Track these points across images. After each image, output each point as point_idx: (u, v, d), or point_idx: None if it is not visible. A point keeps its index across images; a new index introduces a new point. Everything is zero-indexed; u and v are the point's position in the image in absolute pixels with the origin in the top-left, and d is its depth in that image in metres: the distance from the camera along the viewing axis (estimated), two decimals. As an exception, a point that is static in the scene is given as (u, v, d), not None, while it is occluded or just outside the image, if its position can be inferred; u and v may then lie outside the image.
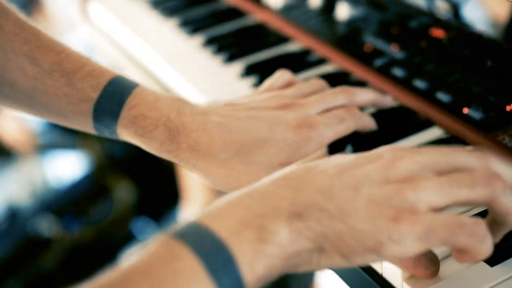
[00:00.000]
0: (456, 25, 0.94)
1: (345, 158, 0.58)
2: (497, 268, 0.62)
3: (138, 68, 1.21)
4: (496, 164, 0.55)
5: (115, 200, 2.20)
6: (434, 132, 0.84)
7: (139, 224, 2.22)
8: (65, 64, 0.77)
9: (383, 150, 0.58)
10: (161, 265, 0.52)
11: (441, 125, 0.84)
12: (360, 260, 0.53)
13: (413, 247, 0.52)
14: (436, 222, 0.52)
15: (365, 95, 0.82)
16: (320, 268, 0.55)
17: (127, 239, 2.18)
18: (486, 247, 0.53)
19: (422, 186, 0.53)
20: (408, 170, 0.54)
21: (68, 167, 2.27)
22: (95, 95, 0.76)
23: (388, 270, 0.64)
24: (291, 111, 0.76)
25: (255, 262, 0.53)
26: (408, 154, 0.56)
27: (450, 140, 0.82)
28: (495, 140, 0.78)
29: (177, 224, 0.56)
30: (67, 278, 2.04)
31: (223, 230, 0.53)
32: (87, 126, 0.78)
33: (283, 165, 0.72)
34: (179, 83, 1.06)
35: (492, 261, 0.62)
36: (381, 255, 0.52)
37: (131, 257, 0.53)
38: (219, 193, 2.09)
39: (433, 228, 0.51)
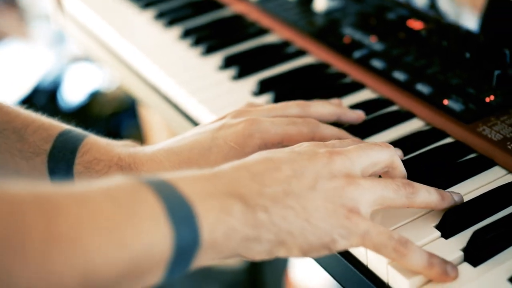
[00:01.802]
0: (433, 16, 0.94)
1: (291, 152, 0.63)
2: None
3: (114, 58, 1.20)
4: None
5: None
6: (415, 124, 0.84)
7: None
8: (16, 122, 0.76)
9: (304, 144, 0.66)
10: (124, 195, 0.52)
11: (421, 117, 0.85)
12: (314, 255, 0.60)
13: (356, 243, 0.60)
14: (373, 228, 0.60)
15: (321, 107, 0.81)
16: (273, 257, 0.60)
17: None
18: (409, 263, 0.61)
19: (360, 183, 0.61)
20: (345, 166, 0.62)
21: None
22: (47, 146, 0.75)
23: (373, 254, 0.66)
24: (237, 118, 0.76)
25: (216, 226, 0.55)
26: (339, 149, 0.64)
27: (430, 132, 0.82)
28: (475, 131, 0.79)
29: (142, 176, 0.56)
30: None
31: (191, 192, 0.55)
32: (43, 181, 0.77)
33: None
34: (158, 76, 1.05)
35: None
36: (331, 251, 0.60)
37: (91, 182, 0.53)
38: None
39: (369, 232, 0.60)
